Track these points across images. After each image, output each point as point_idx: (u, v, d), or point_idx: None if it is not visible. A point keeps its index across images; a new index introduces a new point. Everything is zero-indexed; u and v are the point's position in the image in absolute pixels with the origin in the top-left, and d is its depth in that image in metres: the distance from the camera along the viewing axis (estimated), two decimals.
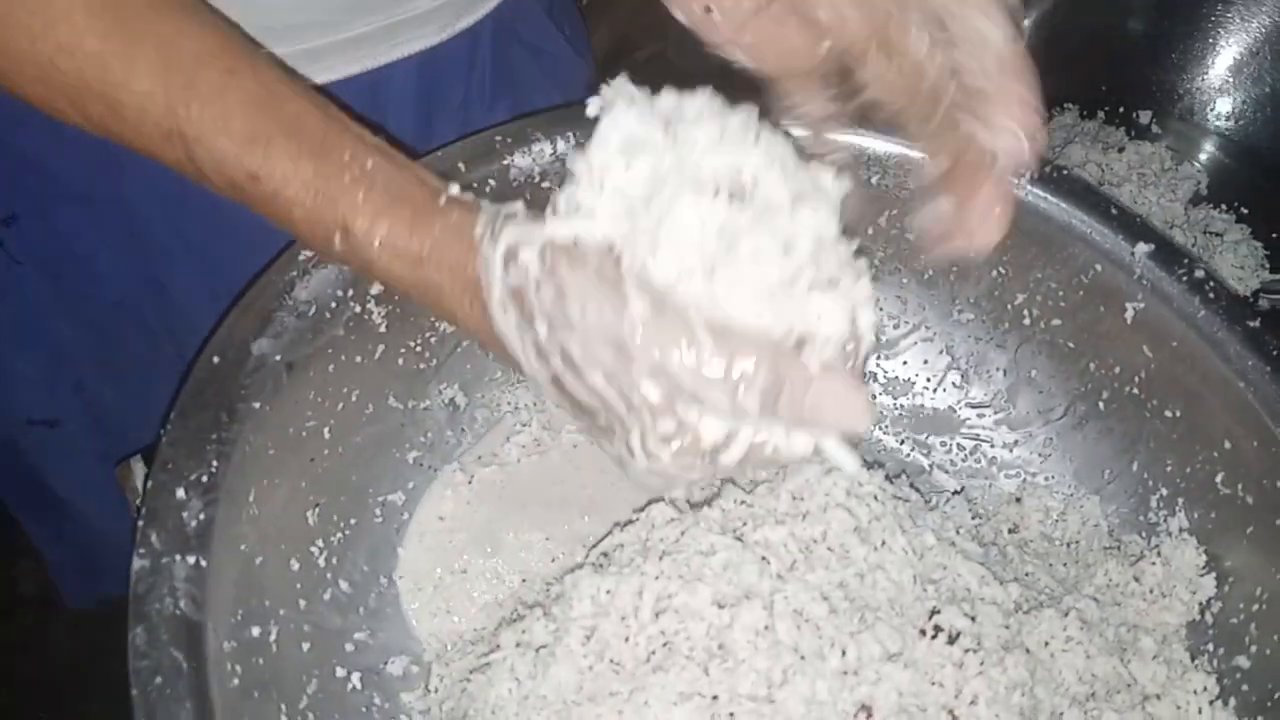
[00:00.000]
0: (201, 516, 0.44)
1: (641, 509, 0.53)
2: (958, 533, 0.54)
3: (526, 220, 0.41)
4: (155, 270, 0.67)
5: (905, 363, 0.67)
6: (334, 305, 0.52)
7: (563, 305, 0.40)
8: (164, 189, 0.62)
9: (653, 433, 0.40)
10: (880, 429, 0.67)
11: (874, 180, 0.62)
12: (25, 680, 1.35)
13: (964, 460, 0.66)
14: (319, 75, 0.59)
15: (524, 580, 0.56)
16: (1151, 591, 0.56)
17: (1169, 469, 0.59)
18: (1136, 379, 0.60)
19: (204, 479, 0.45)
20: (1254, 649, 0.52)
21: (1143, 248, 0.58)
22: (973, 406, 0.66)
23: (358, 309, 0.54)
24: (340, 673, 0.52)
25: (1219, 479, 0.56)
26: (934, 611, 0.47)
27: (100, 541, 0.89)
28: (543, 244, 0.40)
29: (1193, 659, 0.54)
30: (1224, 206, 0.87)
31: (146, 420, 0.75)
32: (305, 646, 0.50)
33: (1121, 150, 0.88)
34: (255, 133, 0.42)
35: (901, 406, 0.67)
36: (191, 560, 0.43)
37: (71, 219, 0.63)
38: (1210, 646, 0.54)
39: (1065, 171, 0.61)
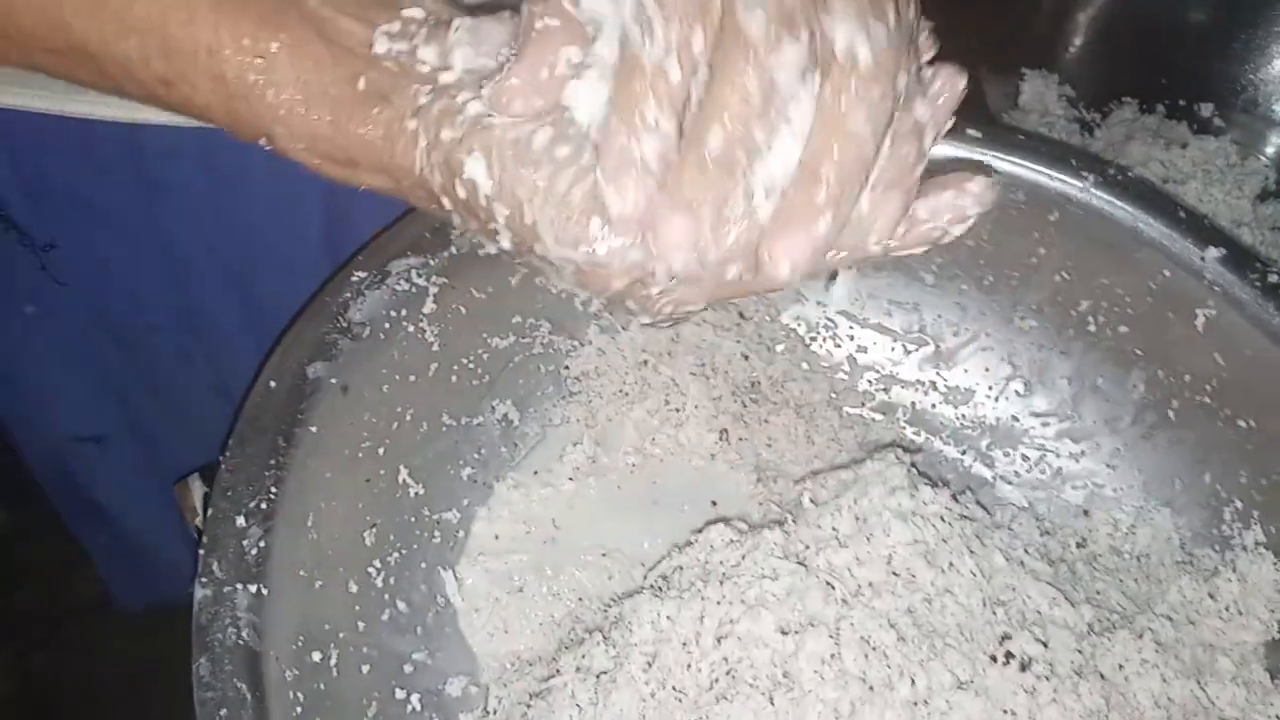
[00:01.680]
0: (262, 544, 0.44)
1: (699, 530, 0.52)
2: (1026, 551, 0.53)
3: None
4: (190, 295, 0.67)
5: (966, 371, 0.66)
6: (388, 326, 0.52)
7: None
8: (199, 215, 0.62)
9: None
10: (941, 439, 0.65)
11: None
12: (83, 685, 1.38)
13: (1028, 471, 0.64)
14: None
15: (581, 599, 0.56)
16: (1227, 609, 0.54)
17: (1243, 480, 0.57)
18: (1208, 387, 0.58)
19: (263, 505, 0.45)
20: None
21: (1213, 252, 0.56)
22: (1036, 416, 0.65)
23: (411, 328, 0.54)
24: (400, 694, 0.52)
25: None
26: (1005, 637, 0.46)
27: (148, 550, 0.90)
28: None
29: (1273, 679, 0.52)
30: None
31: (189, 437, 0.76)
32: (365, 669, 0.50)
33: (1185, 146, 0.85)
34: (149, 26, 0.36)
35: (963, 416, 0.66)
36: (253, 589, 0.43)
37: (109, 245, 0.64)
38: None
39: (1130, 174, 0.59)
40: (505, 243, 0.36)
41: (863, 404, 0.66)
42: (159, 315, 0.68)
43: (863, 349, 0.67)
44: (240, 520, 0.45)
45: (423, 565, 0.56)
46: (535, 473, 0.60)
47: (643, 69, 0.32)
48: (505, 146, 0.35)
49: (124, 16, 0.36)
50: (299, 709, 0.44)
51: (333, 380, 0.50)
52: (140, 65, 0.37)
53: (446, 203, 0.37)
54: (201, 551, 0.44)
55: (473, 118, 0.35)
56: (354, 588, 0.51)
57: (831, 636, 0.43)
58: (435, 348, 0.55)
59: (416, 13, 0.37)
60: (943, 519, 0.49)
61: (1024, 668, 0.45)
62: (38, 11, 0.37)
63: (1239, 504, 0.57)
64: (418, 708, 0.52)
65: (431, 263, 0.53)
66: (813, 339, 0.67)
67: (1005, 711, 0.43)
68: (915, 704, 0.43)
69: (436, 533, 0.57)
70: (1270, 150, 0.89)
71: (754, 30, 0.32)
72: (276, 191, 0.61)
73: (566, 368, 0.63)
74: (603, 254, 0.34)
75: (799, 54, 0.32)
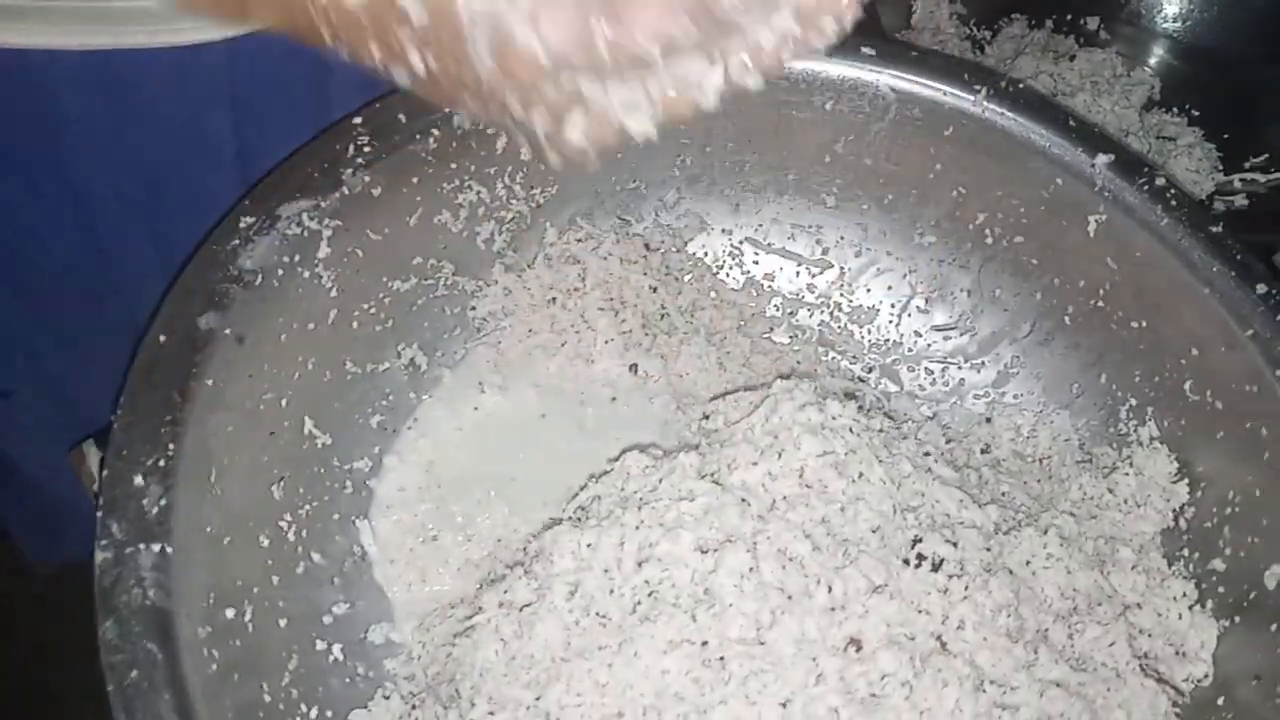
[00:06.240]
0: (162, 502, 0.43)
1: (615, 459, 0.52)
2: (933, 458, 0.54)
3: None
4: (98, 235, 0.64)
5: (869, 290, 0.67)
6: (281, 273, 0.51)
7: None
8: (103, 149, 0.59)
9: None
10: (848, 360, 0.66)
11: (828, 106, 0.61)
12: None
13: (933, 384, 0.65)
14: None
15: (499, 540, 0.55)
16: (1126, 502, 0.56)
17: (1137, 379, 0.59)
18: (1101, 291, 0.60)
19: (161, 463, 0.44)
20: (1228, 551, 0.53)
21: (1102, 159, 0.57)
22: (938, 329, 0.66)
23: (306, 274, 0.52)
24: (321, 646, 0.51)
25: (1187, 386, 0.56)
26: (916, 540, 0.47)
27: (60, 508, 0.87)
28: None
29: (1170, 565, 0.55)
30: (1176, 110, 0.87)
31: (100, 389, 0.73)
32: (283, 623, 0.49)
33: (1073, 59, 0.87)
34: None
35: (868, 334, 0.67)
36: (156, 548, 0.42)
37: (11, 190, 0.60)
38: (1186, 552, 0.55)
39: (1021, 85, 0.60)
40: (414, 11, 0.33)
41: (771, 329, 0.67)
42: (66, 259, 0.65)
43: (769, 275, 0.68)
44: (138, 479, 0.43)
45: (336, 517, 0.55)
46: (443, 418, 0.59)
47: None
48: None
49: None
50: (214, 665, 0.43)
51: (227, 331, 0.48)
52: None
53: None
54: (99, 514, 0.42)
55: None
56: (265, 542, 0.50)
57: (749, 551, 0.44)
58: (334, 294, 0.54)
59: None
60: (851, 430, 0.49)
61: (935, 568, 0.46)
62: None
63: (1133, 402, 0.59)
64: (340, 658, 0.51)
65: (323, 204, 0.52)
66: (719, 267, 0.67)
67: (920, 611, 0.45)
68: (833, 609, 0.43)
69: (348, 483, 0.56)
70: (1154, 61, 0.92)
71: None
72: (182, 119, 0.58)
73: (473, 308, 0.62)
74: None
75: None
